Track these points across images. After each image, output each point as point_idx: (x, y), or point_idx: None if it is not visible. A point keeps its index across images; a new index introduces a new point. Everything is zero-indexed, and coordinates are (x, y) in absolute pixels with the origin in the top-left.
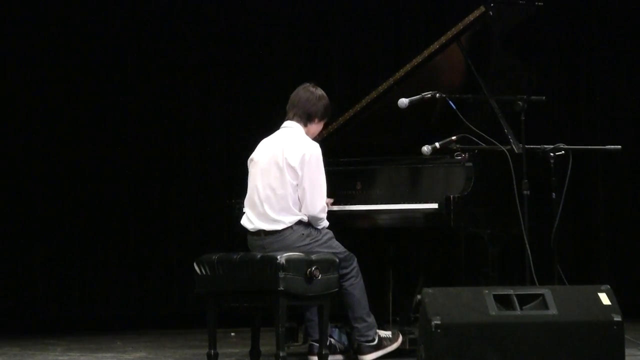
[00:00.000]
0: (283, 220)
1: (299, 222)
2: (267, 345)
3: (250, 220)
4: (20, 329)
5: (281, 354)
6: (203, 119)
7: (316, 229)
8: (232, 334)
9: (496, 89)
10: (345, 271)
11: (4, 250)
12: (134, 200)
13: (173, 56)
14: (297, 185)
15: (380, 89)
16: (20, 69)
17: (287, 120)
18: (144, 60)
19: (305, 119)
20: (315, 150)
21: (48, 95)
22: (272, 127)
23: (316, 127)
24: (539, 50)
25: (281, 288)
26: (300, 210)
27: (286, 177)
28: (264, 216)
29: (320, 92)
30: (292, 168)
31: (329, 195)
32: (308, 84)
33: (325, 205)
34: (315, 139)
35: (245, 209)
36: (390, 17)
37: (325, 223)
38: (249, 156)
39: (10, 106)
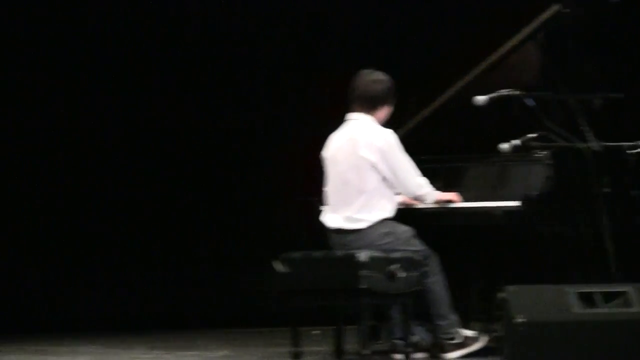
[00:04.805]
0: (365, 218)
1: (381, 221)
2: (350, 344)
3: (332, 219)
4: (103, 327)
5: (364, 352)
6: (282, 115)
7: (398, 226)
8: (316, 332)
9: (573, 87)
10: (427, 269)
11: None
12: (217, 198)
13: (254, 53)
14: (381, 179)
15: (458, 86)
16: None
17: (351, 112)
18: (226, 55)
19: (370, 107)
20: (389, 137)
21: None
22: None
23: (384, 111)
24: (616, 47)
25: (363, 287)
26: (386, 205)
27: (367, 175)
28: (345, 217)
29: (377, 75)
30: (372, 164)
31: None
32: (366, 70)
33: (421, 181)
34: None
35: (326, 207)
36: (466, 15)
37: (432, 194)
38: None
39: (29, 103)
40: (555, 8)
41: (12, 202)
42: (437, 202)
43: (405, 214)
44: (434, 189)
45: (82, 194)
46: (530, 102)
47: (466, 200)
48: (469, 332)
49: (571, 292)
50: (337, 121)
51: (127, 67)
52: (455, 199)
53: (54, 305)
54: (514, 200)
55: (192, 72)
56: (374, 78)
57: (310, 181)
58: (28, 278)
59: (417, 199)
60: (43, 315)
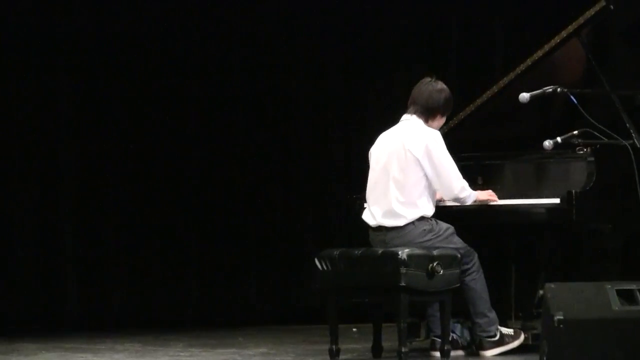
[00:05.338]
0: (405, 215)
1: (421, 218)
2: (389, 341)
3: (373, 216)
4: (140, 326)
5: (403, 349)
6: (322, 113)
7: (438, 224)
8: (354, 329)
9: (617, 83)
10: (466, 266)
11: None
12: (256, 196)
13: (299, 53)
14: (424, 176)
15: (501, 83)
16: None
17: (406, 114)
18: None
19: (427, 115)
20: (436, 136)
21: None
22: (391, 119)
23: (438, 122)
24: None
25: (403, 284)
26: (426, 203)
27: (410, 170)
28: (386, 211)
29: (440, 85)
30: (417, 160)
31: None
32: (429, 79)
33: (464, 183)
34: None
35: (367, 204)
36: (510, 11)
37: (471, 197)
38: (368, 149)
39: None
40: (599, 5)
41: (58, 201)
42: (475, 202)
43: (446, 211)
44: (472, 190)
45: (122, 189)
46: (573, 99)
47: (507, 197)
48: (507, 330)
49: (611, 289)
50: (381, 122)
51: (181, 70)
52: (491, 199)
53: (92, 304)
54: (555, 197)
55: (236, 74)
56: (438, 88)
57: (352, 179)
58: (66, 277)
59: (457, 201)
60: (81, 314)
